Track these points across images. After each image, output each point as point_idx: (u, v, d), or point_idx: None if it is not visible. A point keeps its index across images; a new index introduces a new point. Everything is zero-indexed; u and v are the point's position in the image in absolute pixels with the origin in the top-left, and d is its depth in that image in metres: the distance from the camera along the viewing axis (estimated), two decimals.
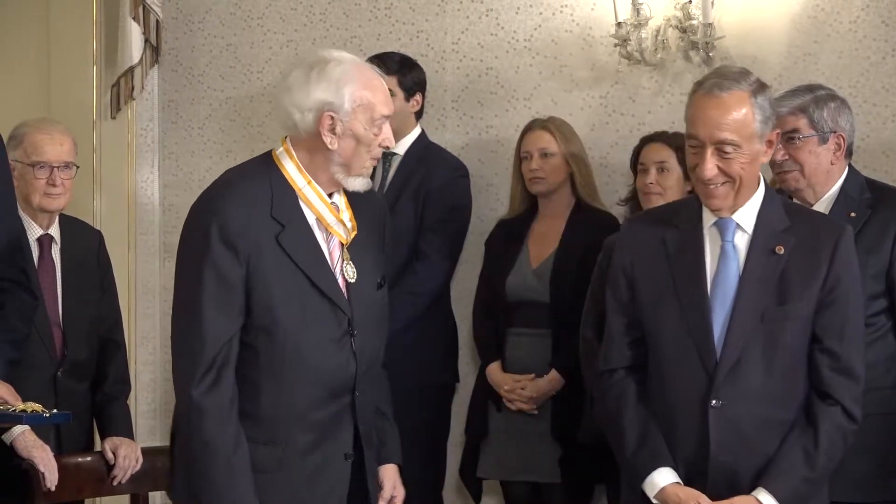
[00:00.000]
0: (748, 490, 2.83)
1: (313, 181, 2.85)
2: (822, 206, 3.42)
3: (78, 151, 3.93)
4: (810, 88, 3.51)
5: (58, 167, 3.81)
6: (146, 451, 3.79)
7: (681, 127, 3.32)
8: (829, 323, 2.87)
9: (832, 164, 3.43)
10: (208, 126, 5.15)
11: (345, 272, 2.88)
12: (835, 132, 3.42)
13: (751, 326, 2.85)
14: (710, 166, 2.83)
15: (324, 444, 2.85)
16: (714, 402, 2.84)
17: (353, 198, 2.93)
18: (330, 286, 2.84)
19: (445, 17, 4.73)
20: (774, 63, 4.25)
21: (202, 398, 2.74)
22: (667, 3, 4.31)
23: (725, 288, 2.88)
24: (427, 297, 4.33)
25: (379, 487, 3.01)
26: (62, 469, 3.58)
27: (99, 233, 4.11)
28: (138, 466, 3.76)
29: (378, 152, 2.89)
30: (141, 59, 5.08)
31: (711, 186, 2.86)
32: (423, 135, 4.50)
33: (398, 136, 4.16)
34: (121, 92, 5.13)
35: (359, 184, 2.88)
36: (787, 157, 3.42)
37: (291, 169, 2.86)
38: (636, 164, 4.04)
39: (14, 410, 2.95)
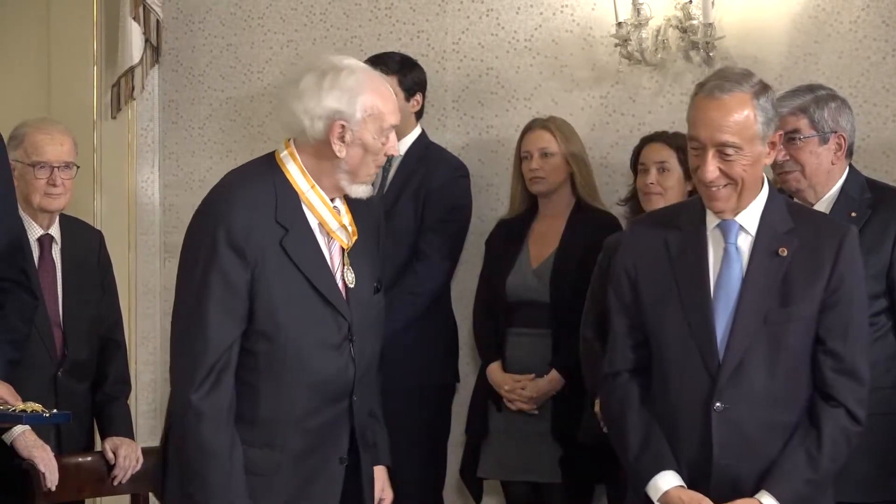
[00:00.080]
0: (752, 493, 2.82)
1: (317, 185, 2.86)
2: (823, 205, 3.42)
3: (78, 151, 3.93)
4: (811, 88, 3.51)
5: (58, 167, 3.81)
6: (146, 451, 3.78)
7: (681, 127, 3.33)
8: (833, 324, 2.86)
9: (833, 164, 3.43)
10: (209, 126, 5.15)
11: (345, 277, 2.88)
12: (835, 132, 3.43)
13: (754, 329, 2.84)
14: (712, 168, 2.83)
15: (320, 448, 2.86)
16: (717, 404, 2.83)
17: (351, 202, 2.93)
18: (331, 291, 2.84)
19: (446, 17, 4.73)
20: (775, 63, 4.25)
21: (201, 401, 2.73)
22: (667, 3, 4.31)
23: (728, 290, 2.87)
24: (427, 297, 4.33)
25: None
26: (62, 469, 3.58)
27: (99, 233, 4.11)
28: (139, 466, 3.76)
29: (383, 160, 2.90)
30: (141, 59, 5.07)
31: (713, 189, 2.85)
32: (423, 135, 4.50)
33: (398, 136, 4.15)
34: (121, 92, 5.13)
35: (362, 191, 2.89)
36: (787, 157, 3.42)
37: (295, 172, 2.85)
38: (636, 164, 4.04)
39: (14, 410, 2.95)
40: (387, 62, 4.34)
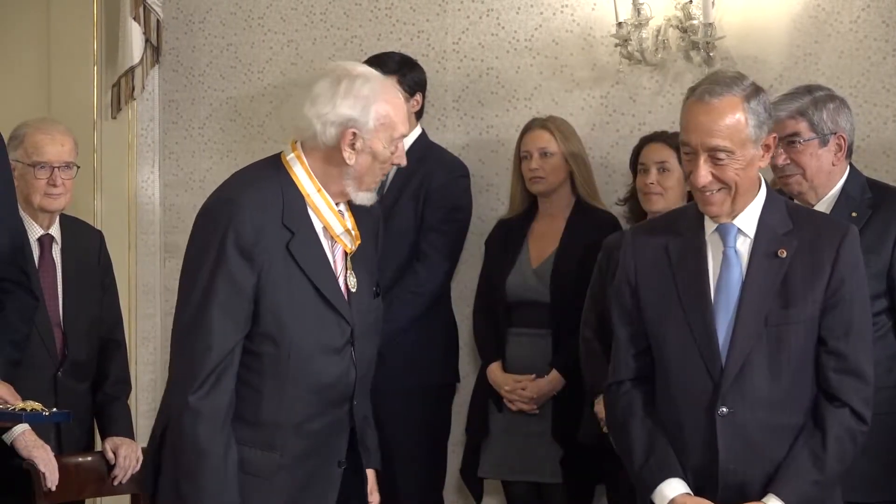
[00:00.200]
0: (758, 497, 2.80)
1: (323, 189, 2.86)
2: (824, 206, 3.41)
3: (78, 151, 3.93)
4: (809, 90, 3.50)
5: (58, 167, 3.81)
6: (146, 452, 3.78)
7: None
8: (835, 324, 2.84)
9: (833, 165, 3.43)
10: (209, 126, 5.15)
11: (348, 281, 2.89)
12: (835, 133, 3.42)
13: (755, 332, 2.82)
14: (704, 173, 2.81)
15: (320, 451, 2.87)
16: (721, 409, 2.81)
17: (352, 207, 2.94)
18: (335, 295, 2.85)
19: (446, 17, 4.73)
20: (775, 63, 4.25)
21: (199, 402, 2.73)
22: (667, 3, 4.31)
23: (728, 294, 2.86)
24: (427, 297, 4.33)
25: None
26: (63, 469, 3.58)
27: (99, 233, 4.12)
28: (139, 466, 3.76)
29: (389, 169, 2.91)
30: (141, 59, 5.07)
31: (707, 193, 2.83)
32: (423, 135, 4.50)
33: None
34: (121, 92, 5.13)
35: (367, 198, 2.90)
36: (788, 161, 3.41)
37: (302, 175, 2.85)
38: (636, 163, 4.04)
39: (13, 409, 2.95)
40: (387, 62, 4.34)
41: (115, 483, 3.78)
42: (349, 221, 2.91)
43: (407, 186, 4.33)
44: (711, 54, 4.25)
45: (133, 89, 5.11)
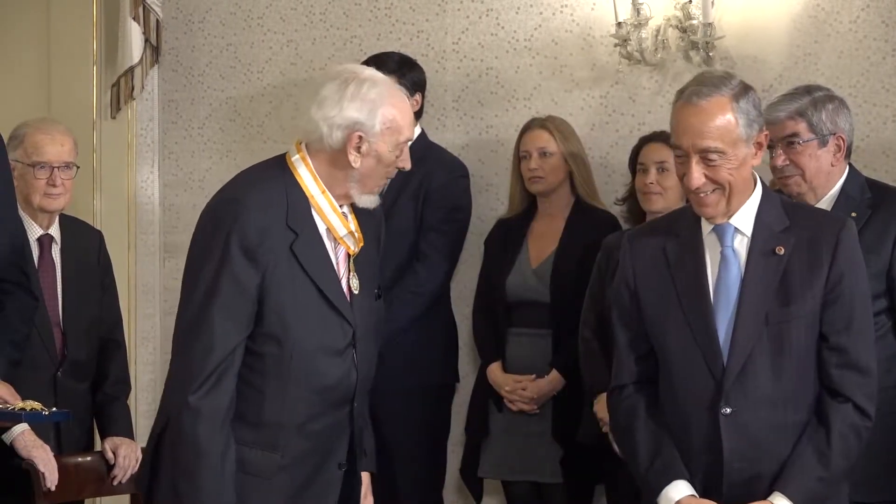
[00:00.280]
0: (765, 495, 2.79)
1: (327, 191, 2.86)
2: (823, 206, 3.40)
3: (78, 151, 3.93)
4: (808, 90, 3.49)
5: (58, 167, 3.81)
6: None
7: None
8: (835, 319, 2.83)
9: (833, 165, 3.42)
10: (208, 126, 5.15)
11: (350, 283, 2.90)
12: (834, 133, 3.42)
13: (755, 330, 2.82)
14: (697, 175, 2.81)
15: (321, 452, 2.88)
16: (725, 409, 2.81)
17: (355, 209, 2.95)
18: (338, 297, 2.85)
19: (446, 17, 4.73)
20: (775, 63, 4.25)
21: (199, 401, 2.73)
22: (667, 2, 4.31)
23: (728, 293, 2.86)
24: (427, 297, 4.33)
25: None
26: (62, 469, 3.58)
27: (99, 233, 4.12)
28: (138, 466, 3.75)
29: (393, 172, 2.92)
30: (141, 58, 5.07)
31: (701, 195, 2.83)
32: (423, 135, 4.49)
33: None
34: (121, 92, 5.13)
35: (370, 201, 2.91)
36: (787, 161, 3.41)
37: (306, 177, 2.86)
38: (634, 163, 4.04)
39: (13, 409, 2.95)
40: (386, 62, 4.34)
41: (115, 483, 3.78)
42: (352, 224, 2.91)
43: (406, 186, 4.32)
44: (711, 54, 4.25)
45: (132, 89, 5.11)
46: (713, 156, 2.79)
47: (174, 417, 2.77)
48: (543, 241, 4.26)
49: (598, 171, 4.40)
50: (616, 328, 3.03)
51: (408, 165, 2.93)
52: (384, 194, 4.22)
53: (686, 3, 4.24)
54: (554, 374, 4.14)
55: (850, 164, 3.48)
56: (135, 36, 5.04)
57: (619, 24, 4.31)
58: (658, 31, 4.33)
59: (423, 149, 4.44)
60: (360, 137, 2.81)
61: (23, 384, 3.12)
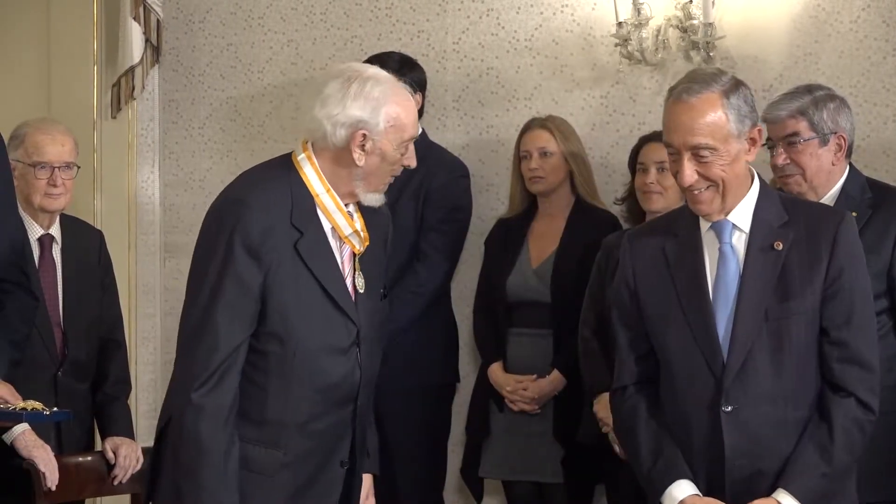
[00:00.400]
0: (768, 493, 2.79)
1: (332, 190, 2.86)
2: None
3: (78, 151, 3.93)
4: (809, 89, 3.50)
5: (59, 167, 3.81)
6: (146, 451, 3.77)
7: None
8: (835, 313, 2.82)
9: (833, 164, 3.43)
10: (209, 126, 5.15)
11: (355, 282, 2.90)
12: (835, 133, 3.42)
13: (755, 327, 2.81)
14: (689, 173, 2.80)
15: (323, 450, 2.88)
16: (726, 406, 2.81)
17: (362, 210, 2.95)
18: (342, 296, 2.85)
19: (446, 17, 4.73)
20: (775, 63, 4.25)
21: (202, 399, 2.74)
22: (667, 2, 4.31)
23: (727, 290, 2.85)
24: (428, 297, 4.33)
25: None
26: (63, 469, 3.58)
27: (100, 232, 4.12)
28: (139, 466, 3.76)
29: (398, 171, 2.92)
30: (141, 58, 5.07)
31: (695, 192, 2.83)
32: (423, 135, 4.49)
33: None
34: (121, 92, 5.13)
35: (375, 199, 2.91)
36: (788, 160, 3.41)
37: (311, 175, 2.86)
38: (634, 163, 4.04)
39: (14, 409, 2.95)
40: (387, 62, 4.33)
41: (115, 483, 3.78)
42: (358, 223, 2.91)
43: (407, 186, 4.32)
44: (711, 54, 4.25)
45: (133, 89, 5.11)
46: (704, 153, 2.79)
47: (177, 415, 2.78)
48: (544, 240, 4.26)
49: (599, 171, 4.40)
50: (616, 328, 3.03)
51: (413, 163, 2.94)
52: (385, 194, 4.25)
53: (687, 3, 4.24)
54: (555, 374, 4.14)
55: (850, 164, 3.48)
56: (135, 36, 5.04)
57: (619, 24, 4.31)
58: (659, 30, 4.33)
59: (423, 149, 4.43)
60: (364, 135, 2.81)
61: (23, 384, 3.12)
